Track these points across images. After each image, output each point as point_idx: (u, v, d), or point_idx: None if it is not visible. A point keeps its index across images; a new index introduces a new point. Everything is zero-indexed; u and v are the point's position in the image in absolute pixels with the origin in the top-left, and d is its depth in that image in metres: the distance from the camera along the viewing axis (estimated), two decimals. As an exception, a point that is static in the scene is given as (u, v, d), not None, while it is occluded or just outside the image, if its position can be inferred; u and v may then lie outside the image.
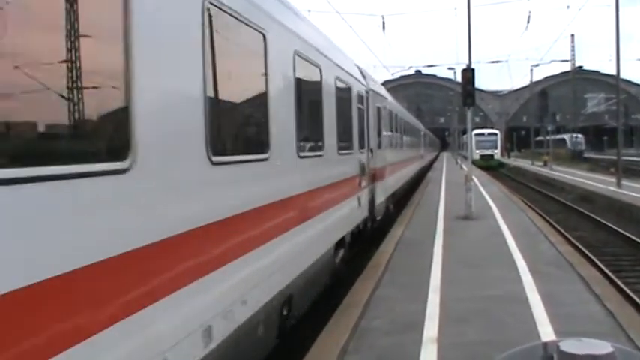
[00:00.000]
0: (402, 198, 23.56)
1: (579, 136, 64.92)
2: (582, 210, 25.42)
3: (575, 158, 54.49)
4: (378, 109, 16.10)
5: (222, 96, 5.31)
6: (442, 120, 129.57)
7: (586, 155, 69.05)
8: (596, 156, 76.87)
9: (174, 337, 4.14)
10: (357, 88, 12.72)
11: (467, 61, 20.45)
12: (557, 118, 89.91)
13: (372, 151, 14.26)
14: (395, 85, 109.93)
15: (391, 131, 19.78)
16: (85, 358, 3.12)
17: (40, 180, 2.89)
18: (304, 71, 8.08)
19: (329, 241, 9.46)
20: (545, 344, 1.90)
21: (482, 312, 8.50)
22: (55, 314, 2.96)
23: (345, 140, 10.88)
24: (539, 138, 73.64)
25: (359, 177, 12.27)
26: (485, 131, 74.31)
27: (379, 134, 16.09)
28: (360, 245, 13.20)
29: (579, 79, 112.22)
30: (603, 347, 1.80)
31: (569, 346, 1.79)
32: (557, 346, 1.80)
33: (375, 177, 14.60)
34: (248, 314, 5.64)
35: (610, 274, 13.32)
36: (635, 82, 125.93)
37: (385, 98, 18.50)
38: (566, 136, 55.68)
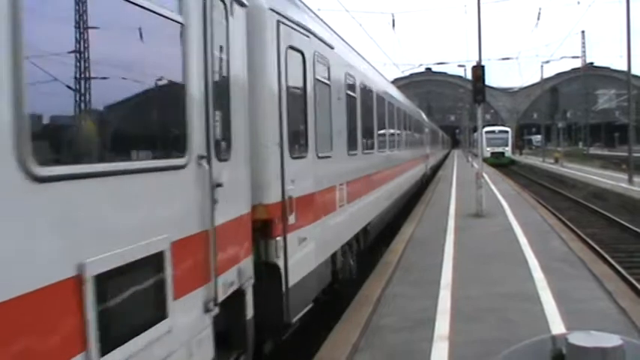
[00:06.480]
0: (433, 170, 43.20)
1: (539, 136, 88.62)
2: (594, 207, 25.30)
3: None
4: (427, 129, 36.65)
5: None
6: (453, 118, 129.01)
7: (592, 152, 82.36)
8: (599, 152, 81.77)
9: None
10: (424, 123, 33.52)
11: (477, 59, 20.46)
12: (568, 114, 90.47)
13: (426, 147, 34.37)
14: (406, 83, 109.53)
15: (430, 137, 40.14)
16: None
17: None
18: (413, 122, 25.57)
19: (419, 175, 27.84)
20: (554, 337, 1.91)
21: (494, 310, 8.50)
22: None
23: (422, 142, 30.88)
24: (527, 137, 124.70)
25: (424, 157, 31.80)
26: (496, 128, 74.04)
27: (429, 140, 37.31)
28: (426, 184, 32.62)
29: (590, 75, 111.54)
30: (612, 340, 1.81)
31: (577, 338, 1.80)
32: (566, 339, 1.81)
33: (427, 158, 33.81)
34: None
35: (622, 271, 13.24)
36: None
37: (430, 123, 43.93)
38: (532, 137, 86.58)
